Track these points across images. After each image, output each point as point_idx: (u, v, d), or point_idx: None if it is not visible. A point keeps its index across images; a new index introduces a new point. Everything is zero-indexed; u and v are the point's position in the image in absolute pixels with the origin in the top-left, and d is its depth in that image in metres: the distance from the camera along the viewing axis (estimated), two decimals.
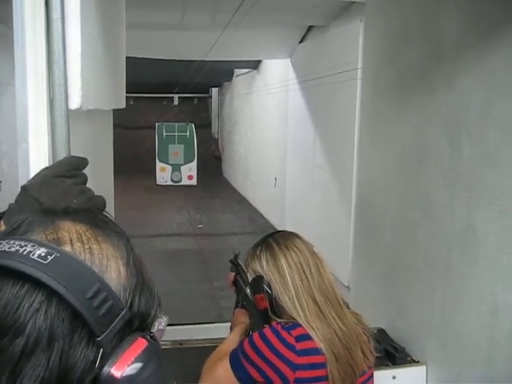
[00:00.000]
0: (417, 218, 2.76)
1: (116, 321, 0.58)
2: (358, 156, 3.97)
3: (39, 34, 1.31)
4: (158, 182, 13.66)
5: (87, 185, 1.04)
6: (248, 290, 1.76)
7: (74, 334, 0.55)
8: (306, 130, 7.22)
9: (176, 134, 13.96)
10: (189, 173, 13.67)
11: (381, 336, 2.89)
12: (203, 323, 3.76)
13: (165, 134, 13.90)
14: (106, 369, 0.56)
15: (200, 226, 10.60)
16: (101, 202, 1.00)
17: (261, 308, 1.68)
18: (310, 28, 7.04)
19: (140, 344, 0.59)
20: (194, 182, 13.66)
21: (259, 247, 1.74)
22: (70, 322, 0.55)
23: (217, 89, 17.83)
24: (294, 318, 1.60)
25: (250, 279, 1.76)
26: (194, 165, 13.73)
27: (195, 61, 8.66)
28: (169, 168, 13.63)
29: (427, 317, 2.66)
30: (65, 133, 1.33)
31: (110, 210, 1.48)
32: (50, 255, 0.57)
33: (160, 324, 0.68)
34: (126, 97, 2.66)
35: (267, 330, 1.58)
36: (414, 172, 2.78)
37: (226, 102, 16.40)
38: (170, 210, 11.98)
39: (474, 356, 2.32)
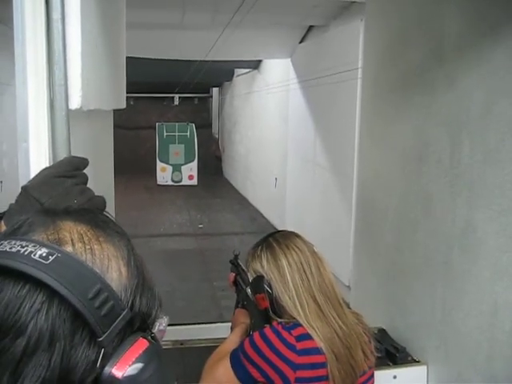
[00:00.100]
0: (417, 217, 2.76)
1: (117, 321, 0.58)
2: (358, 155, 3.97)
3: (39, 34, 1.31)
4: (158, 182, 13.67)
5: (88, 185, 1.04)
6: (249, 290, 1.76)
7: (75, 335, 0.55)
8: (307, 129, 7.22)
9: (176, 133, 13.98)
10: (189, 173, 13.68)
11: (381, 336, 2.89)
12: (204, 323, 3.76)
13: (165, 133, 13.92)
14: (107, 369, 0.56)
15: (200, 225, 10.60)
16: (101, 202, 1.00)
17: (261, 308, 1.68)
18: (310, 28, 7.05)
19: (141, 344, 0.59)
20: (194, 181, 13.68)
21: (260, 247, 1.74)
22: (71, 322, 0.55)
23: (217, 89, 17.84)
24: (294, 318, 1.60)
25: (250, 279, 1.76)
26: (194, 165, 13.74)
27: (195, 61, 8.66)
28: (169, 168, 13.64)
29: (428, 316, 2.66)
30: (65, 133, 1.33)
31: (111, 210, 1.48)
32: (52, 255, 0.57)
33: (161, 324, 0.68)
34: (127, 97, 2.66)
35: (268, 330, 1.58)
36: (415, 171, 2.78)
37: (227, 102, 16.40)
38: (170, 209, 11.99)
39: (475, 355, 2.32)
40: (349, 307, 1.77)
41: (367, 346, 1.65)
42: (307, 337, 1.55)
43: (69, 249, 0.60)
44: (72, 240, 0.62)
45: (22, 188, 0.97)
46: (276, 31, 7.09)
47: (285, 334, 1.55)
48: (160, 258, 7.54)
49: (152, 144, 14.79)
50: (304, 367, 1.53)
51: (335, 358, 1.55)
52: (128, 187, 13.41)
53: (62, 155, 1.29)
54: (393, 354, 2.75)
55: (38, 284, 0.55)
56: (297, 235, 1.76)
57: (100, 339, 0.56)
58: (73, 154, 1.32)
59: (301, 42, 7.51)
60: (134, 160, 15.91)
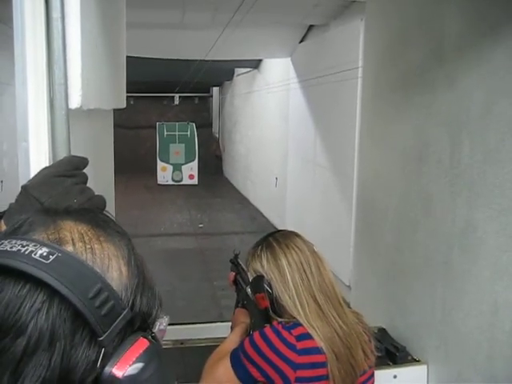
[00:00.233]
0: (417, 217, 2.76)
1: (117, 321, 0.58)
2: (358, 155, 3.97)
3: (39, 34, 1.31)
4: (159, 182, 13.69)
5: (88, 184, 1.03)
6: (249, 290, 1.76)
7: (75, 334, 0.55)
8: (307, 129, 7.22)
9: (177, 133, 14.00)
10: (190, 172, 13.70)
11: (382, 335, 2.89)
12: (204, 323, 3.76)
13: (166, 133, 13.93)
14: (107, 369, 0.56)
15: (201, 225, 10.60)
16: (101, 202, 1.00)
17: (261, 307, 1.68)
18: (310, 27, 7.04)
19: (141, 344, 0.59)
20: (194, 181, 13.70)
21: (260, 247, 1.74)
22: (71, 321, 0.55)
23: (217, 88, 17.82)
24: (294, 318, 1.60)
25: (250, 279, 1.76)
26: (194, 164, 13.76)
27: (196, 60, 8.65)
28: (170, 167, 13.66)
29: (428, 316, 2.66)
30: (65, 132, 1.33)
31: (111, 209, 1.48)
32: (52, 255, 0.57)
33: (161, 324, 0.68)
34: (127, 96, 2.66)
35: (268, 330, 1.58)
36: (415, 171, 2.78)
37: (227, 102, 16.40)
38: (170, 209, 11.98)
39: (475, 355, 2.32)
40: (349, 307, 1.77)
41: (367, 345, 1.65)
42: (307, 336, 1.55)
43: (69, 248, 0.60)
44: (72, 239, 0.62)
45: (22, 187, 0.97)
46: (276, 30, 7.09)
47: (285, 333, 1.55)
48: (160, 257, 7.54)
49: (152, 143, 14.81)
50: (304, 367, 1.53)
51: (335, 357, 1.55)
52: (128, 187, 13.41)
53: (62, 155, 1.29)
54: (393, 354, 2.75)
55: (39, 283, 0.55)
56: (297, 235, 1.76)
57: (100, 339, 0.56)
58: (73, 153, 1.32)
59: (301, 42, 7.50)
60: (134, 159, 15.90)
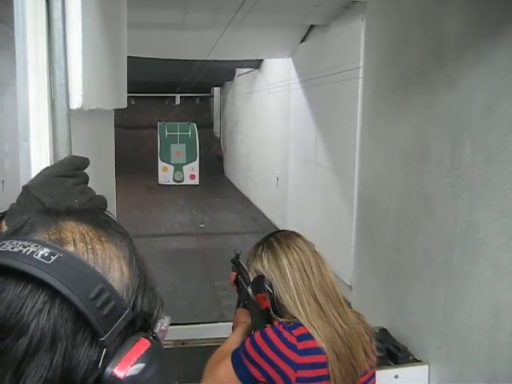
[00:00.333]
0: (418, 217, 2.76)
1: (119, 321, 0.58)
2: (359, 155, 3.97)
3: (40, 34, 1.31)
4: (160, 182, 13.69)
5: (89, 184, 1.03)
6: (250, 290, 1.76)
7: (77, 334, 0.55)
8: (308, 129, 7.22)
9: (178, 133, 14.00)
10: (191, 172, 13.70)
11: (383, 335, 2.89)
12: (205, 323, 3.76)
13: (167, 133, 13.94)
14: (108, 369, 0.56)
15: (202, 225, 10.60)
16: (102, 202, 1.00)
17: (262, 307, 1.68)
18: (311, 27, 7.04)
19: (143, 344, 0.59)
20: (196, 181, 13.69)
21: (260, 247, 1.74)
22: (73, 322, 0.55)
23: (218, 88, 17.83)
24: (295, 318, 1.60)
25: (251, 279, 1.76)
26: (196, 164, 13.76)
27: (197, 60, 8.66)
28: (171, 168, 13.66)
29: (429, 316, 2.66)
30: (66, 133, 1.33)
31: (112, 209, 1.48)
32: (53, 255, 0.57)
33: (162, 324, 0.68)
34: (128, 96, 2.66)
35: (269, 330, 1.58)
36: (416, 171, 2.78)
37: (228, 102, 16.40)
38: (172, 209, 11.99)
39: (476, 355, 2.32)
40: (350, 307, 1.77)
41: (368, 345, 1.65)
42: (308, 336, 1.55)
43: (71, 249, 0.60)
44: (74, 240, 0.62)
45: (23, 188, 0.97)
46: (277, 31, 7.09)
47: (286, 333, 1.55)
48: (161, 257, 7.54)
49: (153, 144, 14.81)
50: (305, 367, 1.53)
51: (336, 357, 1.55)
52: (129, 187, 13.41)
53: (63, 155, 1.29)
54: (394, 354, 2.75)
55: (40, 284, 0.55)
56: (298, 235, 1.76)
57: (102, 339, 0.56)
58: (74, 153, 1.32)
59: (302, 42, 7.50)
60: (135, 160, 15.90)
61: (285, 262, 1.65)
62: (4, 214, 0.95)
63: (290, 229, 1.91)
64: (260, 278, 1.68)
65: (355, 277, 3.91)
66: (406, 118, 2.89)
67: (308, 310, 1.59)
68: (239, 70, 13.03)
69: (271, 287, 1.65)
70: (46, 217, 0.66)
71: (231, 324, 1.96)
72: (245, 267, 2.03)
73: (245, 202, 12.56)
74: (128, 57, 2.62)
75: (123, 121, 14.98)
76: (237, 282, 2.04)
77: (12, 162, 4.97)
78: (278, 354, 1.53)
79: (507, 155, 2.13)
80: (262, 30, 6.86)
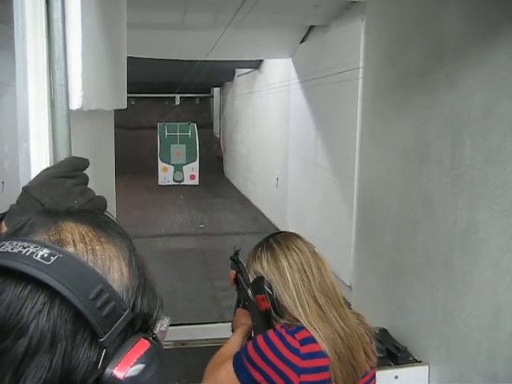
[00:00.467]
0: (418, 218, 2.76)
1: (118, 322, 0.58)
2: (359, 155, 3.97)
3: (40, 34, 1.31)
4: (160, 182, 13.68)
5: (89, 185, 1.03)
6: (249, 291, 1.75)
7: (76, 335, 0.55)
8: (308, 129, 7.22)
9: (178, 134, 13.99)
10: (191, 173, 13.69)
11: (383, 336, 2.89)
12: (205, 323, 3.76)
13: (167, 134, 13.93)
14: (108, 370, 0.56)
15: (202, 225, 10.61)
16: (102, 203, 1.00)
17: (262, 309, 1.67)
18: (311, 28, 7.05)
19: (142, 345, 0.59)
20: (195, 181, 13.69)
21: (260, 248, 1.73)
22: (72, 322, 0.55)
23: (218, 89, 17.84)
24: (295, 318, 1.60)
25: (251, 280, 1.75)
26: (195, 165, 13.75)
27: (197, 61, 8.67)
28: (171, 168, 13.65)
29: (429, 316, 2.66)
30: (66, 133, 1.33)
31: (112, 210, 1.48)
32: (53, 256, 0.57)
33: (162, 325, 0.68)
34: (128, 97, 2.66)
35: (271, 334, 1.57)
36: (416, 171, 2.78)
37: (228, 102, 16.41)
38: (171, 209, 11.99)
39: (476, 355, 2.32)
40: (350, 307, 1.77)
41: (369, 346, 1.65)
42: (311, 340, 1.54)
43: (70, 249, 0.60)
44: (73, 241, 0.62)
45: (23, 188, 0.97)
46: (277, 31, 7.10)
47: (289, 338, 1.54)
48: (161, 258, 7.54)
49: (153, 144, 14.81)
50: (308, 371, 1.52)
51: (337, 358, 1.55)
52: (129, 187, 13.42)
53: (63, 156, 1.29)
54: (394, 354, 2.75)
55: (40, 285, 0.55)
56: (297, 236, 1.75)
57: (101, 340, 0.56)
58: (73, 154, 1.32)
59: (302, 42, 7.51)
60: (135, 160, 15.92)
61: (284, 263, 1.65)
62: (4, 214, 0.95)
63: (290, 229, 1.92)
64: (259, 280, 1.67)
65: (355, 277, 3.91)
66: (406, 119, 2.89)
67: (308, 311, 1.59)
68: (239, 71, 13.05)
69: (271, 288, 1.64)
70: (45, 218, 0.66)
71: (230, 324, 1.96)
72: (244, 265, 2.02)
73: (245, 202, 12.57)
74: (128, 57, 2.62)
75: (123, 121, 15.00)
76: (236, 280, 2.03)
77: (12, 162, 4.97)
78: (281, 359, 1.52)
79: (507, 155, 2.13)
80: (261, 31, 6.87)
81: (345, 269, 4.67)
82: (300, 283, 1.62)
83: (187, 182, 13.61)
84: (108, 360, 0.57)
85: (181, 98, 16.65)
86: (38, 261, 0.56)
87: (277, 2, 5.48)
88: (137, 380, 0.57)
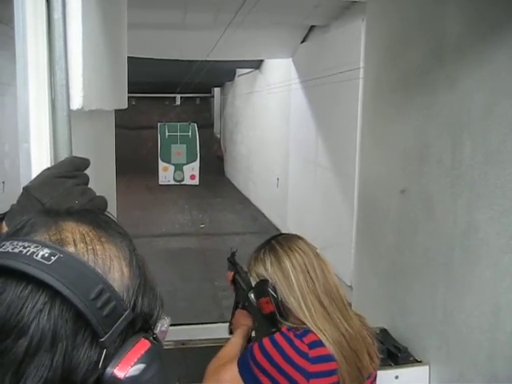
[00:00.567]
0: (418, 218, 2.75)
1: (119, 321, 0.58)
2: (360, 155, 3.96)
3: (40, 34, 1.31)
4: (160, 182, 13.67)
5: (89, 185, 1.04)
6: (251, 295, 1.73)
7: (77, 335, 0.56)
8: (308, 129, 7.22)
9: (178, 133, 13.96)
10: (191, 172, 13.67)
11: (383, 336, 2.89)
12: (205, 323, 3.76)
13: (167, 133, 13.90)
14: (109, 369, 0.57)
15: (202, 225, 10.61)
16: (102, 203, 1.00)
17: (266, 312, 1.65)
18: (311, 28, 7.05)
19: (143, 345, 0.59)
20: (196, 181, 13.67)
21: (262, 250, 1.71)
22: (73, 322, 0.55)
23: (219, 89, 17.84)
24: (300, 321, 1.58)
25: (253, 283, 1.73)
26: (196, 164, 13.73)
27: (197, 61, 8.67)
28: (171, 168, 13.63)
29: (429, 316, 2.66)
30: (66, 133, 1.33)
31: (113, 210, 1.48)
32: (54, 256, 0.57)
33: (163, 325, 0.68)
34: (128, 97, 2.66)
35: (279, 337, 1.55)
36: (416, 171, 2.77)
37: (228, 102, 16.41)
38: (172, 209, 12.00)
39: (477, 355, 2.32)
40: (350, 307, 1.76)
41: (371, 348, 1.64)
42: (319, 344, 1.53)
43: (71, 249, 0.61)
44: (74, 240, 0.62)
45: (24, 188, 0.97)
46: (277, 31, 7.10)
47: (297, 341, 1.52)
48: (162, 258, 7.54)
49: (154, 144, 14.78)
50: (317, 375, 1.50)
51: (344, 361, 1.53)
52: (130, 187, 13.42)
53: (64, 156, 1.29)
54: (394, 354, 2.75)
55: (41, 284, 0.55)
56: (299, 237, 1.74)
57: (102, 340, 0.56)
58: (74, 154, 1.32)
59: (302, 42, 7.51)
60: (135, 160, 15.92)
61: (288, 264, 1.63)
62: (4, 214, 0.95)
63: (290, 229, 1.92)
64: (263, 283, 1.66)
65: (355, 277, 3.90)
66: (407, 119, 2.89)
67: (313, 313, 1.57)
68: (239, 71, 13.04)
69: (275, 291, 1.62)
70: (46, 217, 0.66)
71: (228, 325, 1.95)
72: (242, 266, 2.02)
73: (245, 202, 12.57)
74: (128, 57, 2.62)
75: (124, 121, 15.00)
76: (234, 281, 2.02)
77: (12, 162, 4.97)
78: (290, 363, 1.50)
79: (507, 155, 2.13)
80: (262, 31, 6.87)
81: (345, 269, 4.67)
82: (304, 284, 1.60)
83: (187, 181, 13.59)
84: (109, 360, 0.57)
85: (181, 97, 16.65)
86: (38, 261, 0.56)
87: (277, 2, 5.48)
88: (137, 380, 0.57)
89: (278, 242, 1.71)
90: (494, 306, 2.21)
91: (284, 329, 1.59)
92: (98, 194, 1.01)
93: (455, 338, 2.47)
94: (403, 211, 2.93)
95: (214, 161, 17.09)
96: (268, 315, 1.65)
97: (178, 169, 13.49)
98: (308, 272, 1.62)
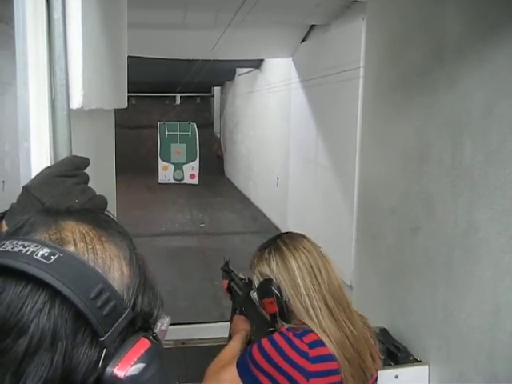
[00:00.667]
0: (418, 218, 2.75)
1: (119, 321, 0.58)
2: (360, 155, 3.96)
3: (40, 34, 1.30)
4: (160, 181, 13.67)
5: (89, 184, 1.03)
6: (254, 295, 1.72)
7: (77, 334, 0.56)
8: (308, 129, 7.22)
9: (178, 133, 13.96)
10: (191, 172, 13.66)
11: (383, 335, 2.89)
12: (205, 322, 3.76)
13: (167, 133, 13.90)
14: (109, 369, 0.57)
15: (202, 225, 10.61)
16: (102, 202, 1.00)
17: (270, 312, 1.64)
18: (311, 27, 7.04)
19: (143, 344, 0.59)
20: (196, 180, 13.67)
21: (267, 249, 1.69)
22: (73, 321, 0.55)
23: (219, 88, 17.82)
24: (303, 323, 1.57)
25: (256, 283, 1.71)
26: (196, 164, 13.72)
27: (197, 60, 8.67)
28: (171, 167, 13.63)
29: (429, 316, 2.66)
30: (66, 132, 1.33)
31: (113, 209, 1.48)
32: (54, 255, 0.57)
33: (163, 324, 0.68)
34: (128, 96, 2.66)
35: (278, 337, 1.54)
36: (416, 171, 2.77)
37: (228, 102, 16.40)
38: (172, 208, 12.00)
39: (477, 355, 2.32)
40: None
41: (374, 349, 1.63)
42: (319, 343, 1.52)
43: (71, 248, 0.60)
44: (74, 240, 0.62)
45: (24, 188, 0.97)
46: (277, 30, 7.09)
47: (296, 341, 1.51)
48: (162, 257, 7.55)
49: (154, 143, 14.78)
50: (317, 375, 1.49)
51: (348, 363, 1.52)
52: (130, 186, 13.42)
53: (64, 155, 1.29)
54: (394, 354, 2.75)
55: (40, 284, 0.55)
56: (304, 236, 1.72)
57: (102, 339, 0.56)
58: (74, 153, 1.32)
59: (302, 42, 7.50)
60: (135, 159, 15.92)
61: (294, 265, 1.61)
62: (4, 213, 0.95)
63: (290, 228, 1.91)
64: (267, 282, 1.63)
65: (356, 277, 3.90)
66: (407, 118, 2.89)
67: (320, 316, 1.55)
68: (240, 70, 13.04)
69: (279, 291, 1.60)
70: (46, 217, 0.66)
71: (229, 330, 1.94)
72: (236, 273, 2.02)
73: (245, 201, 12.57)
74: (128, 56, 2.62)
75: (124, 120, 15.00)
76: (229, 289, 2.01)
77: (12, 162, 4.97)
78: (289, 362, 1.49)
79: (507, 155, 2.13)
80: (262, 30, 6.86)
81: (345, 268, 4.65)
82: (311, 287, 1.58)
83: (187, 180, 13.59)
84: (108, 359, 0.57)
85: (181, 97, 16.64)
86: (38, 260, 0.56)
87: (277, 2, 5.48)
88: (137, 379, 0.57)
89: (282, 241, 1.69)
90: (494, 305, 2.21)
91: (283, 329, 1.58)
92: (97, 193, 1.01)
93: (455, 337, 2.47)
94: (403, 211, 2.93)
95: (213, 160, 17.09)
96: (271, 316, 1.64)
97: (177, 168, 13.48)
98: (314, 273, 1.60)
